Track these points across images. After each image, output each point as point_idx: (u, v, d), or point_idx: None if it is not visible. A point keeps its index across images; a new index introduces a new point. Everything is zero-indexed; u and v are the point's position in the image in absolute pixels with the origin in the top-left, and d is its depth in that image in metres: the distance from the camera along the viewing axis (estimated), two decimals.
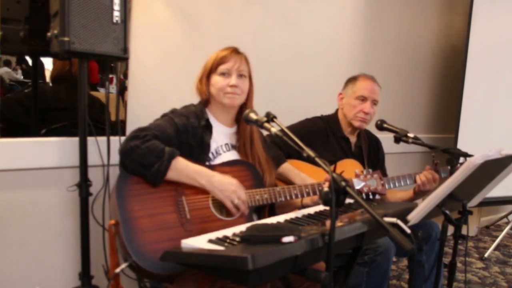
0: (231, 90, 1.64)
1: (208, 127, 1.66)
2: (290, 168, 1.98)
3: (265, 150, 1.79)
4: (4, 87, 1.76)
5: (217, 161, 1.65)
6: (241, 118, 1.70)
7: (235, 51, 1.68)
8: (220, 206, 1.55)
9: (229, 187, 1.50)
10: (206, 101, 1.71)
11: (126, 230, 1.38)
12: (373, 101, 2.17)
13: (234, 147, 1.73)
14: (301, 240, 1.06)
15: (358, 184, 1.78)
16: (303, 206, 1.73)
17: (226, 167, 1.62)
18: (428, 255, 2.15)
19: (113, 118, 1.97)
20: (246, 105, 1.71)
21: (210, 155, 1.65)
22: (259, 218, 1.70)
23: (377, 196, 1.82)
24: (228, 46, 1.69)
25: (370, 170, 1.81)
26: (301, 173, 1.95)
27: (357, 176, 1.79)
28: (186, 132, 1.59)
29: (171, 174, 1.47)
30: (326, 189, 1.08)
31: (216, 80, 1.65)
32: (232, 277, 1.07)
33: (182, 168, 1.48)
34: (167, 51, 2.18)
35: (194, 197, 1.52)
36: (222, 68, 1.64)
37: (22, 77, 1.81)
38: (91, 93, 1.96)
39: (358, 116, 2.16)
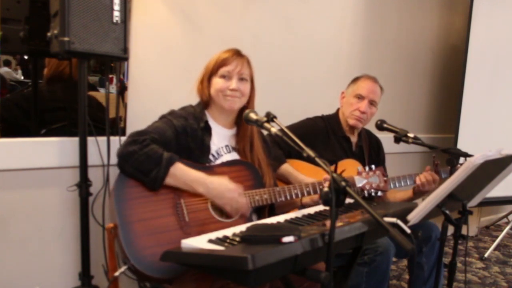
0: (231, 94, 1.62)
1: (207, 129, 1.65)
2: (289, 170, 1.98)
3: (266, 153, 1.78)
4: (5, 87, 1.76)
5: (219, 162, 1.64)
6: (241, 121, 1.70)
7: (237, 53, 1.66)
8: (219, 208, 1.54)
9: (227, 195, 1.48)
10: (206, 103, 1.70)
11: (124, 234, 1.37)
12: (371, 101, 2.16)
13: (234, 149, 1.72)
14: (301, 240, 1.06)
15: (360, 182, 1.75)
16: (303, 205, 1.73)
17: (225, 167, 1.62)
18: (428, 256, 2.15)
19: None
20: (247, 108, 1.69)
21: (211, 157, 1.64)
22: (259, 218, 1.70)
23: (380, 193, 1.80)
24: (231, 48, 1.68)
25: (373, 167, 1.80)
26: (300, 174, 1.95)
27: (359, 173, 1.77)
28: (185, 134, 1.58)
29: (169, 181, 1.46)
30: (326, 189, 1.08)
31: (217, 81, 1.64)
32: (232, 277, 1.06)
33: (180, 175, 1.47)
34: (167, 51, 2.18)
35: (192, 199, 1.51)
36: (223, 70, 1.63)
37: (22, 77, 1.81)
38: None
39: (354, 114, 2.16)
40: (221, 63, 1.63)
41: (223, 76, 1.63)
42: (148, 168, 1.43)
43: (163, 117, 1.63)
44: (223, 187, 1.49)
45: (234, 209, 1.51)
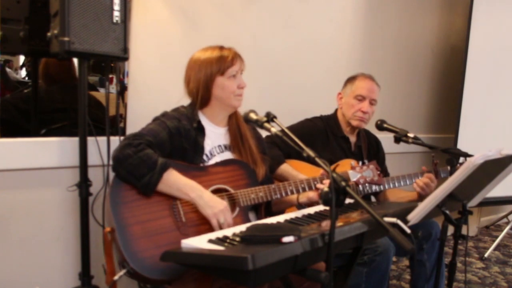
0: (240, 92, 1.65)
1: (201, 129, 1.65)
2: (288, 170, 1.98)
3: (256, 140, 1.78)
4: (9, 88, 1.76)
5: (211, 162, 1.64)
6: (228, 116, 1.72)
7: (236, 52, 1.67)
8: None
9: (219, 206, 1.46)
10: (204, 103, 1.67)
11: (122, 237, 1.37)
12: (371, 100, 2.17)
13: (227, 147, 1.72)
14: (301, 240, 1.06)
15: (354, 176, 1.74)
16: (300, 205, 1.73)
17: (219, 167, 1.62)
18: (429, 254, 2.15)
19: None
20: None
21: (205, 157, 1.64)
22: (257, 216, 1.70)
23: (375, 187, 1.78)
24: (221, 46, 1.67)
25: (366, 161, 1.80)
26: (300, 174, 1.94)
27: (352, 168, 1.77)
28: (179, 135, 1.58)
29: (162, 187, 1.45)
30: (326, 189, 1.08)
31: (226, 82, 1.63)
32: (232, 277, 1.06)
33: (173, 181, 1.46)
34: (167, 51, 2.18)
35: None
36: (231, 70, 1.63)
37: (22, 77, 1.81)
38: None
39: (356, 115, 2.17)
40: (229, 63, 1.62)
41: (232, 76, 1.63)
42: (142, 172, 1.42)
43: (156, 119, 1.62)
44: (216, 198, 1.48)
45: (220, 224, 1.46)
